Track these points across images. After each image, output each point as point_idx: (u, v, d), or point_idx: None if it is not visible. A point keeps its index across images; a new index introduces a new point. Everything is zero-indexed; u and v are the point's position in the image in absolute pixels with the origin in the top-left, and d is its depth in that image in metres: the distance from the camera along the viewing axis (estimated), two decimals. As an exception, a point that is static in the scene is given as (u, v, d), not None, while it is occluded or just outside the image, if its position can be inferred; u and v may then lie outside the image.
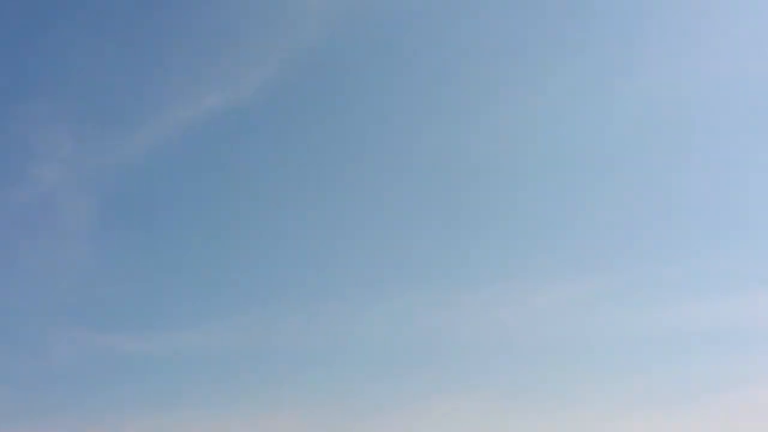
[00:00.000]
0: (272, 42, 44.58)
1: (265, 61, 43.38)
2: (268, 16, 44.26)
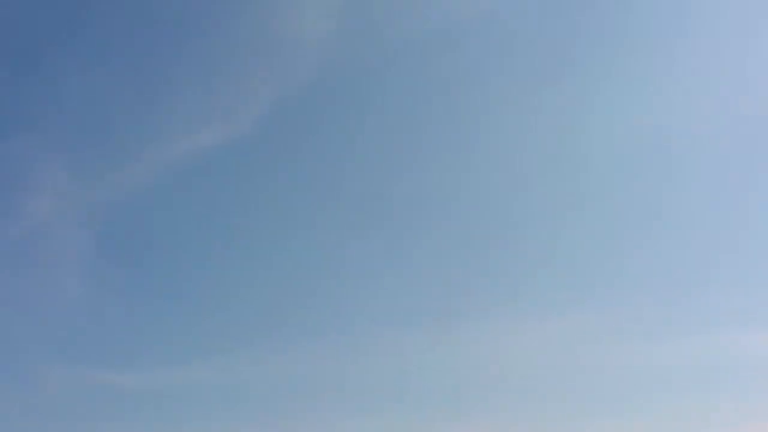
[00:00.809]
0: (266, 77, 44.23)
1: (259, 97, 43.10)
2: (261, 51, 43.95)
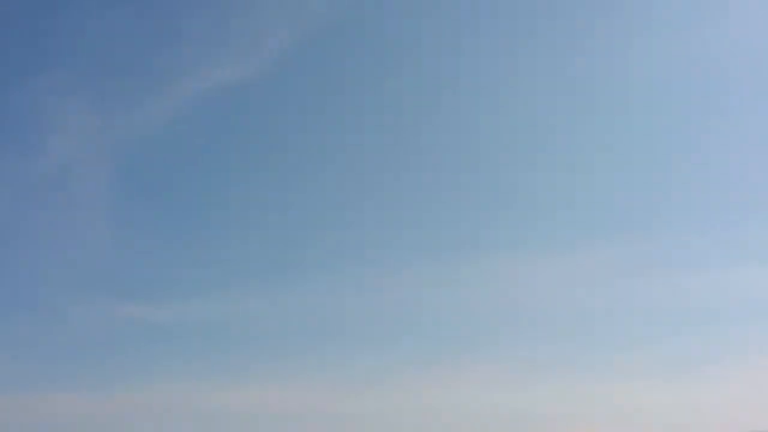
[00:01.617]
0: (283, 14, 44.05)
1: (276, 33, 43.11)
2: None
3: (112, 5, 38.02)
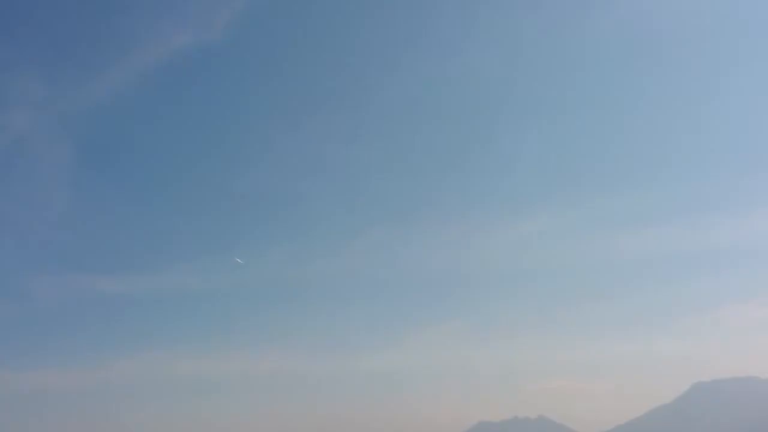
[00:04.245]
0: None
1: (231, 1, 46.72)
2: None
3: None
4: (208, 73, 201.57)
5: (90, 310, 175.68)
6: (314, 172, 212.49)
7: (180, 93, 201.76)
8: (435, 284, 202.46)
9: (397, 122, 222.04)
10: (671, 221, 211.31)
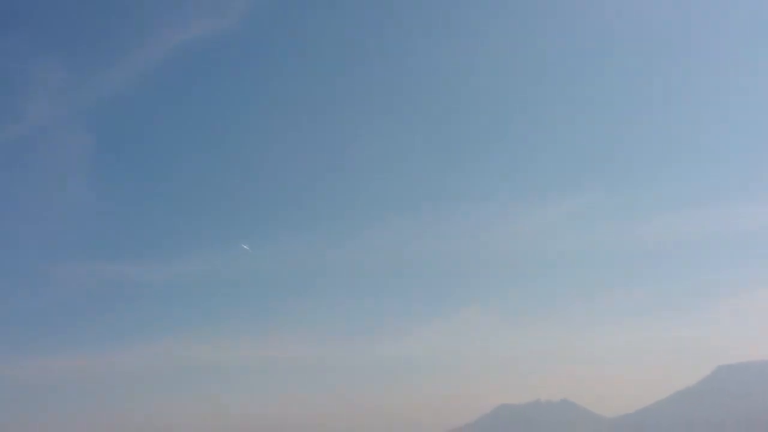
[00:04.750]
0: None
1: None
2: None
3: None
4: (225, 61, 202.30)
5: (108, 297, 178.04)
6: (329, 159, 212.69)
7: (197, 81, 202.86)
8: (456, 269, 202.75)
9: (416, 106, 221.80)
10: (694, 206, 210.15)
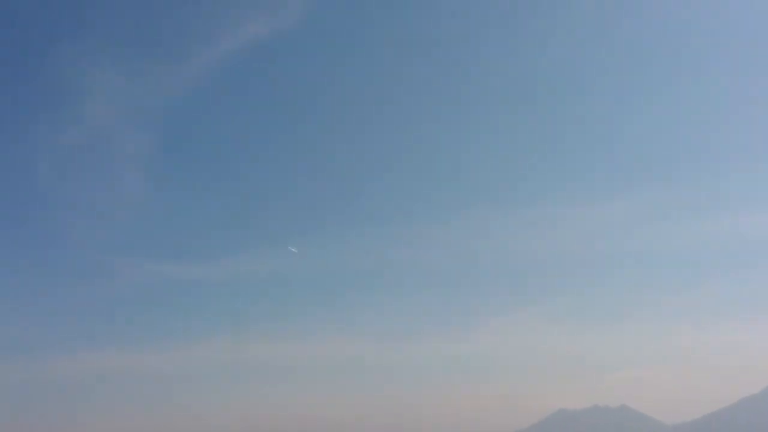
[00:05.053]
0: None
1: None
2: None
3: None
4: (282, 61, 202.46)
5: (164, 294, 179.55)
6: (388, 159, 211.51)
7: (253, 82, 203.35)
8: (515, 270, 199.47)
9: (483, 103, 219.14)
10: (766, 204, 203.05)
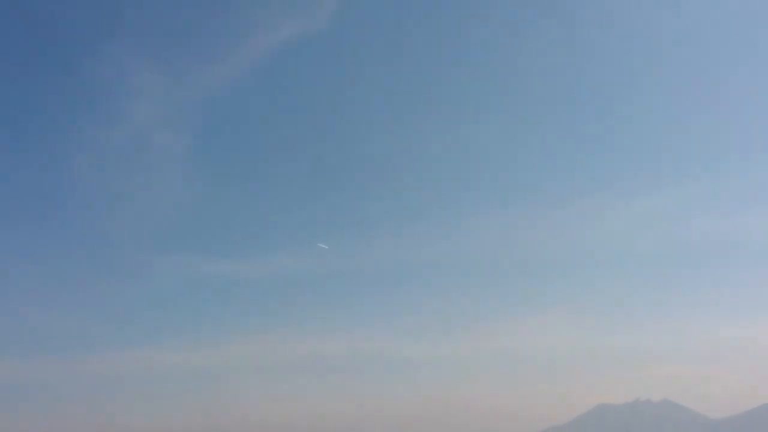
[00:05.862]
0: None
1: None
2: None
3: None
4: (315, 61, 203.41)
5: (206, 290, 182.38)
6: (421, 158, 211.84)
7: (288, 83, 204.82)
8: (553, 266, 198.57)
9: (509, 105, 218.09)
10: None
